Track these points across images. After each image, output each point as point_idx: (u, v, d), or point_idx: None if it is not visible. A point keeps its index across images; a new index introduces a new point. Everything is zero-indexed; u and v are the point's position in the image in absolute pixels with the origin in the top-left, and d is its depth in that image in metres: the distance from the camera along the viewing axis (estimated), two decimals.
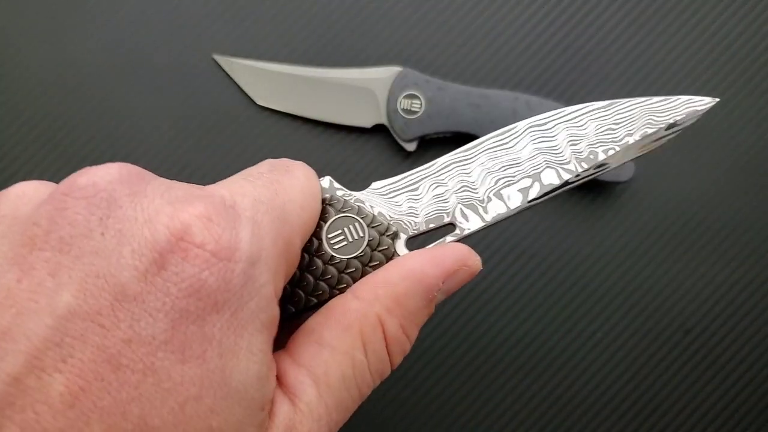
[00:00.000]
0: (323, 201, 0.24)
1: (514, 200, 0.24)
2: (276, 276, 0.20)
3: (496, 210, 0.24)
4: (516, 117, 0.37)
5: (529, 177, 0.24)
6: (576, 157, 0.24)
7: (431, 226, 0.24)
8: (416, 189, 0.24)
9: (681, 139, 0.39)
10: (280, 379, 0.21)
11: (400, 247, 0.24)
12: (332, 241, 0.24)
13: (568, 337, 0.37)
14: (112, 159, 0.39)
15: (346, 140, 0.39)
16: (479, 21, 0.40)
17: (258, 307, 0.19)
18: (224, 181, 0.21)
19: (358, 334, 0.22)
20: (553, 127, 0.24)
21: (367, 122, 0.38)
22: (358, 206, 0.24)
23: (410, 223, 0.24)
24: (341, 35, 0.40)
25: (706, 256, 0.38)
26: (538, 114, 0.38)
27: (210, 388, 0.18)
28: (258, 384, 0.19)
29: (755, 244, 0.38)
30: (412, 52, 0.39)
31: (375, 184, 0.25)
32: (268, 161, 0.23)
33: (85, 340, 0.16)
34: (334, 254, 0.24)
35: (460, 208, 0.24)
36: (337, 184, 0.24)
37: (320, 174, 0.24)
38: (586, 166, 0.24)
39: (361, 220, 0.24)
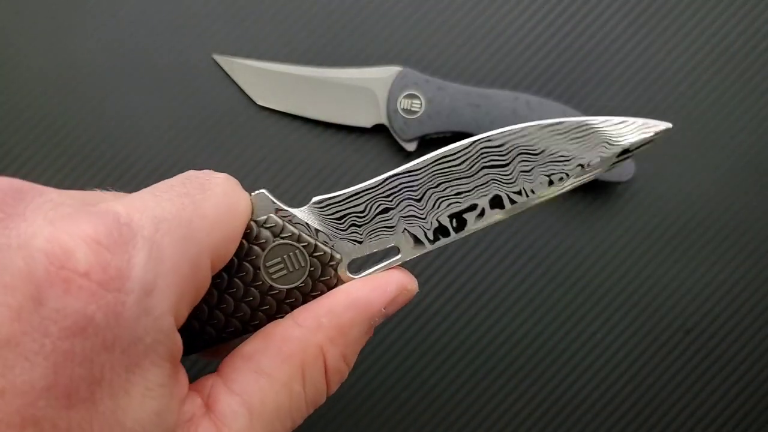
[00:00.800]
0: (257, 223, 0.22)
1: (460, 226, 0.23)
2: (178, 303, 0.18)
3: (440, 236, 0.23)
4: (516, 117, 0.37)
5: (476, 202, 0.23)
6: (525, 183, 0.23)
7: (374, 250, 0.23)
8: (360, 207, 0.23)
9: (682, 140, 0.39)
10: (210, 406, 0.20)
11: (342, 273, 0.23)
12: (271, 271, 0.22)
13: (568, 337, 0.37)
14: (112, 159, 0.39)
15: (346, 140, 0.39)
16: (479, 21, 0.40)
17: (155, 340, 0.17)
18: (129, 195, 0.19)
19: (298, 364, 0.21)
20: (506, 147, 0.23)
21: (367, 122, 0.38)
22: (299, 233, 0.22)
23: (353, 246, 0.23)
24: (341, 35, 0.40)
25: (706, 256, 0.38)
26: (538, 114, 0.38)
27: (101, 431, 0.16)
28: (157, 420, 0.17)
29: (755, 244, 0.38)
30: (412, 52, 0.39)
31: (316, 199, 0.23)
32: (187, 173, 0.21)
33: None
34: (273, 284, 0.22)
35: (405, 232, 0.23)
36: (274, 199, 0.22)
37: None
38: (534, 193, 0.23)
39: (302, 248, 0.22)
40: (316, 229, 0.22)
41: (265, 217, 0.22)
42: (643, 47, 0.39)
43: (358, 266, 0.23)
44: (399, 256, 0.23)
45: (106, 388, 0.16)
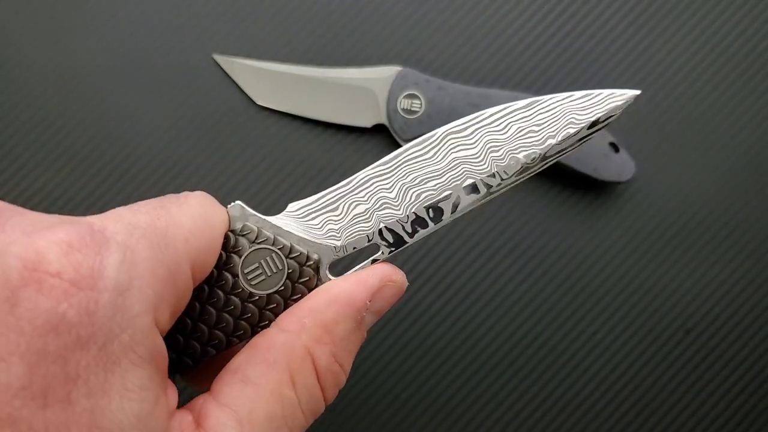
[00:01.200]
0: (234, 232, 0.22)
1: (437, 216, 0.23)
2: (158, 305, 0.18)
3: (418, 227, 0.23)
4: None
5: (450, 190, 0.23)
6: (497, 165, 0.23)
7: (353, 248, 0.23)
8: (335, 209, 0.23)
9: (682, 140, 0.39)
10: (200, 422, 0.20)
11: (323, 274, 0.23)
12: (249, 277, 0.22)
13: (568, 337, 0.37)
14: (113, 159, 0.39)
15: (346, 140, 0.39)
16: (479, 21, 0.40)
17: (132, 339, 0.17)
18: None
19: (285, 369, 0.20)
20: (472, 133, 0.23)
21: (367, 122, 0.38)
22: (274, 236, 0.22)
23: (331, 247, 0.23)
24: (341, 35, 0.40)
25: (706, 256, 0.38)
26: None
27: None
28: (139, 424, 0.17)
29: (755, 244, 0.38)
30: (412, 52, 0.39)
31: (291, 206, 0.23)
32: (164, 196, 0.22)
33: None
34: (252, 291, 0.22)
35: (383, 228, 0.23)
36: (249, 210, 0.23)
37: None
38: (507, 174, 0.23)
39: (278, 251, 0.22)
40: (292, 233, 0.23)
41: (240, 225, 0.22)
42: (643, 47, 0.39)
43: (340, 270, 0.23)
44: (380, 253, 0.23)
45: (82, 388, 0.16)
